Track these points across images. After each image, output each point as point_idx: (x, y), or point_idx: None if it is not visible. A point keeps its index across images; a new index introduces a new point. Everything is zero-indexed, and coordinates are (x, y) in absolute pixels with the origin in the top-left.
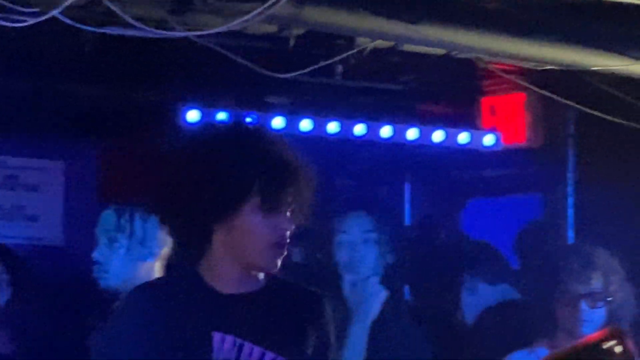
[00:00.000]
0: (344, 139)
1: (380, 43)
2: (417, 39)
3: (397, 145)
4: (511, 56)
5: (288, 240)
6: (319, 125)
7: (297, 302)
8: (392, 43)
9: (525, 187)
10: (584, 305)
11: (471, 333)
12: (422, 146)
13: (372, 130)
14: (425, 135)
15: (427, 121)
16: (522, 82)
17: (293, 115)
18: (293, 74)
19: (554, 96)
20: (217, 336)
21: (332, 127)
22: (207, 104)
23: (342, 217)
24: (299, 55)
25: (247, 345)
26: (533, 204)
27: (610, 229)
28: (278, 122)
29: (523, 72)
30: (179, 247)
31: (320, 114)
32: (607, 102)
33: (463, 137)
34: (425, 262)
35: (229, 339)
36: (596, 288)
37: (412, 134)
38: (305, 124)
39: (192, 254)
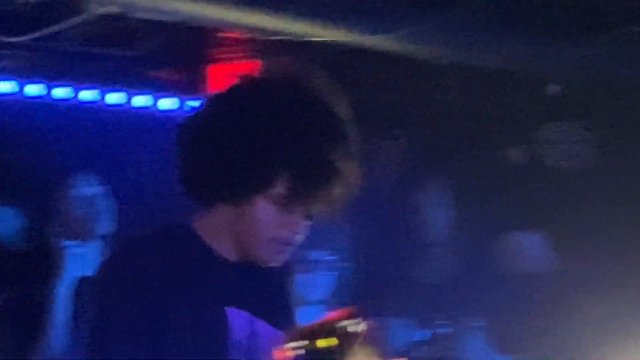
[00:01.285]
0: (76, 105)
1: (112, 9)
2: (147, 7)
3: (125, 111)
4: (241, 25)
5: (298, 241)
6: (50, 90)
7: (286, 266)
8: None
9: None
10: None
11: None
12: (150, 112)
13: (103, 96)
14: (155, 102)
15: (158, 88)
16: (255, 51)
17: (23, 80)
18: (22, 38)
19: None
20: (230, 312)
21: (63, 92)
22: None
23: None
24: (28, 19)
25: (261, 324)
26: None
27: None
28: (6, 87)
29: (257, 41)
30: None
31: (51, 79)
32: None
33: (192, 104)
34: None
35: (243, 315)
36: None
37: (141, 100)
38: (35, 89)
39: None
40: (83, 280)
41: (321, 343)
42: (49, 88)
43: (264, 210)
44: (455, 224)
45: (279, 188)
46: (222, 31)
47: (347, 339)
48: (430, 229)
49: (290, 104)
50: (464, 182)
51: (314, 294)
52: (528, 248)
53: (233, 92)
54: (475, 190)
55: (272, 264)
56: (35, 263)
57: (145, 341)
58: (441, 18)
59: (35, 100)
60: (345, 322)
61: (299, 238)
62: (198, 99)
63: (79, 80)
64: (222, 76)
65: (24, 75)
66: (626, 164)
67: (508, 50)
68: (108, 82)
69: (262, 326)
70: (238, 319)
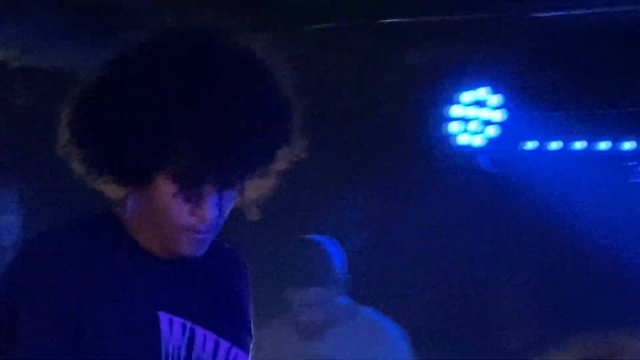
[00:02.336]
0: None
1: None
2: None
3: None
4: None
5: (212, 227)
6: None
7: (231, 268)
8: None
9: None
10: None
11: None
12: None
13: None
14: None
15: None
16: None
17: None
18: None
19: None
20: (164, 317)
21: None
22: None
23: None
24: None
25: (200, 331)
26: None
27: None
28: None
29: None
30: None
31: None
32: None
33: None
34: None
35: (177, 321)
36: None
37: None
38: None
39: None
40: None
41: None
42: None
43: (166, 192)
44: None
45: (179, 164)
46: None
47: None
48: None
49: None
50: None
51: None
52: None
53: (123, 54)
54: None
55: (188, 255)
56: None
57: (60, 347)
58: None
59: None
60: None
61: (211, 225)
62: None
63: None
64: None
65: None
66: None
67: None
68: None
69: (201, 333)
70: (171, 326)
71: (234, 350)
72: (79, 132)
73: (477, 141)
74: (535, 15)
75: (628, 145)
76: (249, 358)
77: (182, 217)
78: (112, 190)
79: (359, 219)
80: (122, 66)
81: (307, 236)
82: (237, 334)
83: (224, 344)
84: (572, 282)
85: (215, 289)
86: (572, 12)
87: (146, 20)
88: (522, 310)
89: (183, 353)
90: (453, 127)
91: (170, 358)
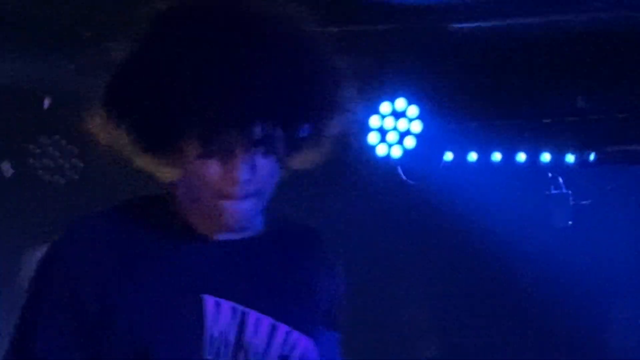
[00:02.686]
0: None
1: None
2: None
3: None
4: None
5: (249, 193)
6: None
7: (303, 251)
8: None
9: None
10: None
11: None
12: None
13: None
14: None
15: None
16: None
17: None
18: None
19: None
20: (209, 301)
21: None
22: None
23: None
24: None
25: (253, 314)
26: None
27: None
28: None
29: None
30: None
31: None
32: None
33: None
34: None
35: (227, 305)
36: None
37: None
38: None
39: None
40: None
41: None
42: None
43: (193, 156)
44: None
45: (199, 124)
46: None
47: None
48: None
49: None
50: None
51: None
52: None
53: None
54: None
55: (233, 227)
56: None
57: (95, 331)
58: None
59: None
60: None
61: (247, 191)
62: None
63: None
64: None
65: None
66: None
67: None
68: None
69: (254, 316)
70: (219, 309)
71: (295, 334)
72: (114, 108)
73: (396, 152)
74: (451, 26)
75: (545, 157)
76: (316, 345)
77: (214, 182)
78: (157, 170)
79: None
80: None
81: None
82: (303, 318)
83: (282, 328)
84: (489, 292)
85: (279, 272)
86: (487, 24)
87: None
88: (438, 319)
89: (232, 338)
90: (372, 137)
91: (216, 343)
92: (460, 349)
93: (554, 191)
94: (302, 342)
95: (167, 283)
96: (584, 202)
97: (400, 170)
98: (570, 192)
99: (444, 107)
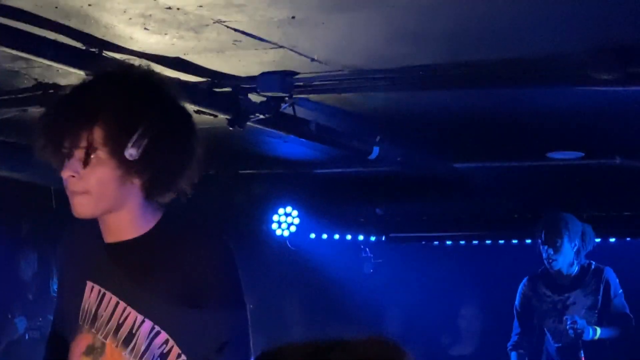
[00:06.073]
0: None
1: None
2: None
3: None
4: None
5: (77, 189)
6: None
7: (182, 247)
8: None
9: None
10: None
11: None
12: None
13: None
14: None
15: None
16: None
17: None
18: None
19: None
20: (88, 285)
21: None
22: None
23: None
24: None
25: (107, 296)
26: None
27: None
28: None
29: None
30: None
31: None
32: None
33: None
34: None
35: (96, 289)
36: None
37: None
38: None
39: None
40: None
41: None
42: None
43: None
44: None
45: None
46: None
47: None
48: None
49: None
50: None
51: None
52: None
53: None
54: None
55: (76, 216)
56: None
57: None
58: None
59: None
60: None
61: (75, 186)
62: None
63: None
64: None
65: None
66: None
67: None
68: None
69: (107, 297)
70: (92, 291)
71: (128, 309)
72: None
73: (286, 233)
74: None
75: (360, 237)
76: (163, 327)
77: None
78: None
79: None
80: None
81: None
82: (147, 300)
83: (121, 305)
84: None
85: (155, 269)
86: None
87: None
88: None
89: (92, 310)
90: (274, 225)
91: (83, 312)
92: None
93: (364, 254)
94: (135, 317)
95: (79, 271)
96: (379, 260)
97: (288, 243)
98: (372, 255)
99: (312, 210)
